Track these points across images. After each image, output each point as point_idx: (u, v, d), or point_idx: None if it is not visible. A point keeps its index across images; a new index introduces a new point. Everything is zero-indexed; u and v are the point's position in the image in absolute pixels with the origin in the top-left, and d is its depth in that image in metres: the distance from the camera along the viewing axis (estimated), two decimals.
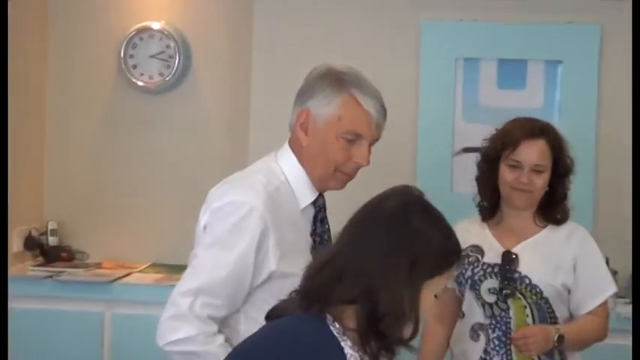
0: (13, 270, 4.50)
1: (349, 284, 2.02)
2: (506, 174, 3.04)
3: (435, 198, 4.48)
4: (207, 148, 4.72)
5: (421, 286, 2.02)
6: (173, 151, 4.76)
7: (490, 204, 3.13)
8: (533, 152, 3.01)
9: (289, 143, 2.68)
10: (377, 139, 2.64)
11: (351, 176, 2.66)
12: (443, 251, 2.05)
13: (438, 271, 2.04)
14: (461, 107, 4.38)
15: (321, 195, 2.69)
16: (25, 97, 4.69)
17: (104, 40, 4.81)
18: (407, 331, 2.03)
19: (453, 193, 4.27)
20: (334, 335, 2.03)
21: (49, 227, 4.77)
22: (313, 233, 2.65)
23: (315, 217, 2.67)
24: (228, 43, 4.74)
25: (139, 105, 4.80)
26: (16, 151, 4.57)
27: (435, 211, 2.10)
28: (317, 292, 2.06)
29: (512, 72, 4.36)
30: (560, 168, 3.06)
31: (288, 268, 2.50)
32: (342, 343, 2.01)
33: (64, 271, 4.49)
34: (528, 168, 3.01)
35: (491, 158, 3.09)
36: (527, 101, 4.31)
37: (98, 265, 4.66)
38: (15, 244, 4.63)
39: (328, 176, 2.63)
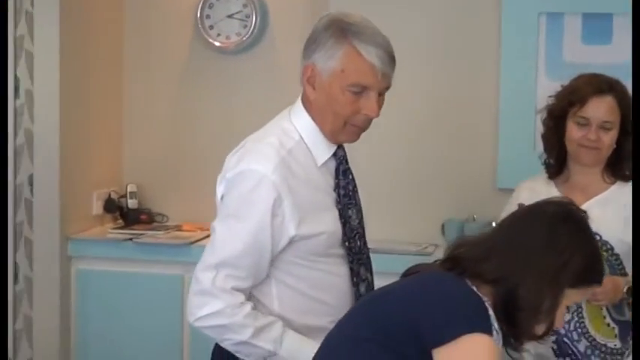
0: (92, 232, 4.71)
1: (495, 266, 2.16)
2: (573, 131, 3.12)
3: (518, 157, 4.58)
4: (285, 107, 4.80)
5: (563, 292, 2.16)
6: (251, 111, 4.77)
7: (557, 161, 3.22)
8: (601, 109, 3.09)
9: (301, 99, 2.72)
10: (387, 88, 2.64)
11: (362, 128, 2.67)
12: (587, 267, 2.19)
13: (577, 284, 2.19)
14: (544, 64, 4.43)
15: (340, 147, 2.72)
16: (103, 60, 4.86)
17: (180, 0, 4.92)
18: (539, 329, 2.18)
19: (536, 152, 4.31)
20: (477, 292, 2.15)
21: (129, 190, 4.91)
22: (337, 187, 2.68)
23: (336, 170, 2.70)
24: (304, 1, 4.79)
25: (216, 66, 4.90)
26: (95, 115, 4.79)
27: (591, 232, 2.26)
28: (462, 261, 2.20)
29: (597, 27, 4.37)
30: (628, 124, 3.12)
31: (310, 229, 2.58)
32: (486, 304, 2.14)
33: (143, 234, 4.65)
34: (596, 125, 3.09)
35: (558, 115, 3.17)
36: (613, 57, 4.30)
37: (178, 228, 4.80)
38: (95, 206, 4.80)
39: (338, 129, 2.64)
